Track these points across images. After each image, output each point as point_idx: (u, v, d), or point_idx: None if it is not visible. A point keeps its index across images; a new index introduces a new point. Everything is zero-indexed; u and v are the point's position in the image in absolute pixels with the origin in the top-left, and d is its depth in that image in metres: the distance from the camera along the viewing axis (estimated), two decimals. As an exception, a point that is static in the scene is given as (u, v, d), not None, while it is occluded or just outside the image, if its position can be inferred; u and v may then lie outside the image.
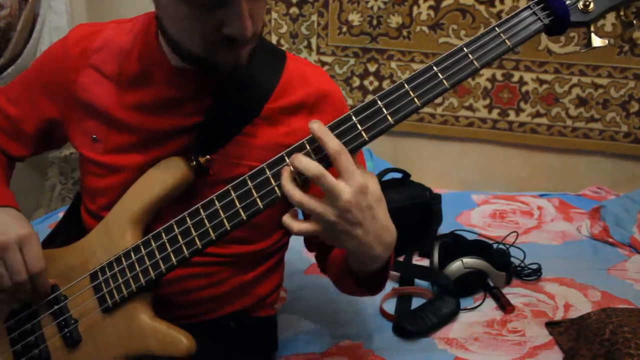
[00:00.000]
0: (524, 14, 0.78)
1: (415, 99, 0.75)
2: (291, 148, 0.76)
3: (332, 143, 0.71)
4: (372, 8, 2.08)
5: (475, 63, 0.76)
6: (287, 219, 0.75)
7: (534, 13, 0.78)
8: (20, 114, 0.99)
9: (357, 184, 0.71)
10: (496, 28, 0.77)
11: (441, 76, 0.76)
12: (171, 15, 0.78)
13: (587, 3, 0.78)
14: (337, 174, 0.72)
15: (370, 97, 2.16)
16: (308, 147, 0.76)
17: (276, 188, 0.77)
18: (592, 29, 0.80)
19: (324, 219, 0.72)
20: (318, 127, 0.73)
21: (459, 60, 0.76)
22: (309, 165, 0.71)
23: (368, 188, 0.72)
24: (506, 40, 0.77)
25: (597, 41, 0.80)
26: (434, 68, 0.76)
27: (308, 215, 0.75)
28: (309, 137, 0.76)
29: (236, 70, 0.81)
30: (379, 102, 0.76)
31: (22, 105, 0.99)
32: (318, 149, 0.75)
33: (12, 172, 1.06)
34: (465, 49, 0.76)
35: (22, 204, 0.96)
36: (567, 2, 0.78)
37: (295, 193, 0.72)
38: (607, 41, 0.80)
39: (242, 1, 0.73)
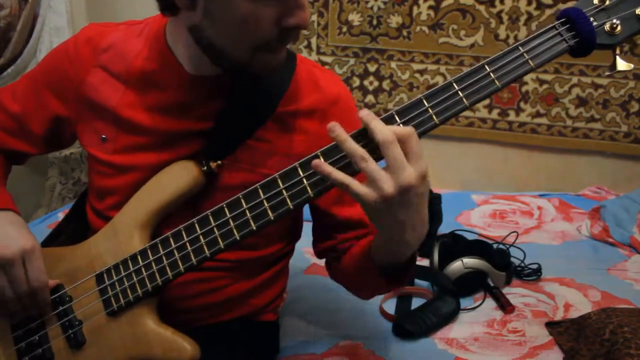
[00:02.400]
0: (549, 34, 0.76)
1: (434, 116, 0.74)
2: (304, 159, 0.75)
3: (403, 126, 0.69)
4: (372, 8, 2.08)
5: (497, 82, 0.74)
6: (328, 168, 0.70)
7: (559, 34, 0.75)
8: (27, 112, 0.98)
9: (421, 167, 0.69)
10: (520, 47, 0.75)
11: (461, 94, 0.74)
12: (225, 22, 0.77)
13: (614, 25, 0.75)
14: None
15: (370, 97, 2.17)
16: (321, 158, 0.73)
17: (288, 200, 0.76)
18: (617, 51, 0.77)
19: (381, 188, 0.67)
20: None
21: (481, 79, 0.74)
22: (384, 129, 0.67)
23: (427, 177, 0.70)
24: (529, 61, 0.75)
25: (622, 65, 0.77)
26: (455, 86, 0.74)
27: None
28: (323, 148, 0.74)
29: (274, 71, 0.83)
30: (396, 117, 0.73)
31: (30, 103, 0.98)
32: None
33: (8, 173, 1.06)
34: (487, 67, 0.74)
35: (22, 204, 0.96)
36: (594, 24, 0.75)
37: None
38: (632, 65, 0.78)
39: None
